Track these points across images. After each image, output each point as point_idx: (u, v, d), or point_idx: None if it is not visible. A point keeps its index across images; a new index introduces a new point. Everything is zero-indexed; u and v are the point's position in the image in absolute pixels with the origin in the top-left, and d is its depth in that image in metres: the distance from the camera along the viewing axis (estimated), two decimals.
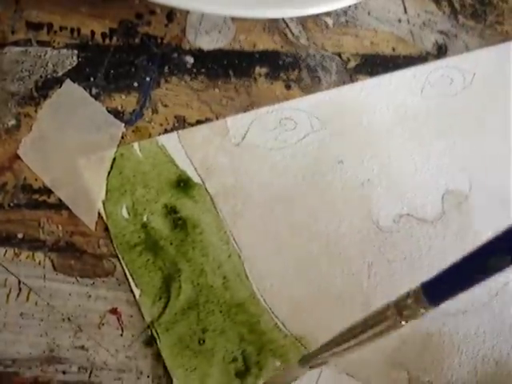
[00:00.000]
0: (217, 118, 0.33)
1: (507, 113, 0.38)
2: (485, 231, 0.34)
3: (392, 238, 0.32)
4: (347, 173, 0.33)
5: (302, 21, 0.37)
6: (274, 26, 0.36)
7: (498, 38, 0.41)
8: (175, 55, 0.34)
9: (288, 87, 0.35)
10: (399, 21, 0.39)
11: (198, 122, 0.33)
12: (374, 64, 0.37)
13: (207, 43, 0.35)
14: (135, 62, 0.33)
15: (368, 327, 0.21)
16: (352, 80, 0.36)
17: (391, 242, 0.32)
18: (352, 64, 0.37)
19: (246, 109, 0.33)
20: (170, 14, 0.35)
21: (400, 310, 0.20)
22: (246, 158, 0.32)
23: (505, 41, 0.41)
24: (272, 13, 0.33)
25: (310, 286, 0.31)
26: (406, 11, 0.40)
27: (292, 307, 0.30)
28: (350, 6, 0.38)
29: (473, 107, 0.38)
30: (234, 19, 0.35)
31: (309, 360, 0.24)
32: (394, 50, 0.38)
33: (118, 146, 0.31)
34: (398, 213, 0.33)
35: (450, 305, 0.33)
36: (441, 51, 0.39)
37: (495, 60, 0.40)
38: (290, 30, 0.36)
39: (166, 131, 0.32)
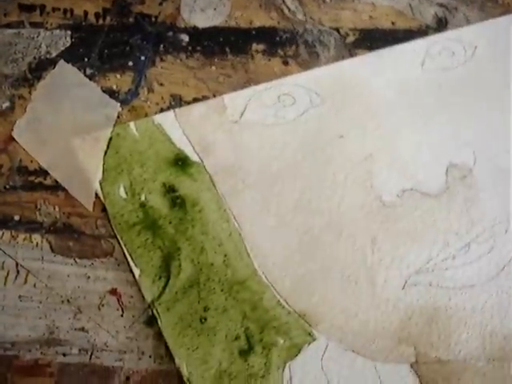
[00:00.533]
0: (214, 96, 0.32)
1: (508, 85, 0.37)
2: (490, 204, 0.33)
3: (395, 212, 0.31)
4: (348, 148, 0.32)
5: None
6: (270, 1, 0.35)
7: (498, 10, 0.41)
8: (170, 34, 0.33)
9: (286, 63, 0.34)
10: None
11: (195, 100, 0.32)
12: (373, 38, 0.37)
13: (202, 21, 0.34)
14: (129, 41, 0.33)
15: None
16: (351, 55, 0.36)
17: (395, 217, 0.31)
18: (351, 39, 0.36)
19: (243, 86, 0.33)
20: None
21: None
22: (245, 135, 0.32)
23: (506, 13, 0.40)
24: None
25: (312, 263, 0.30)
26: None
27: (294, 283, 0.30)
28: None
29: (474, 80, 0.37)
30: None
31: None
32: (393, 23, 0.37)
33: (114, 125, 0.31)
34: (402, 187, 0.32)
35: (456, 279, 0.33)
36: (441, 24, 0.38)
37: (496, 32, 0.39)
38: (287, 6, 0.36)
39: (162, 110, 0.32)
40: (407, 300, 0.30)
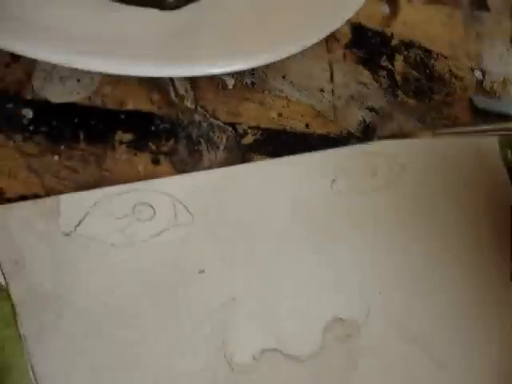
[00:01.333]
0: (47, 196, 0.25)
1: (432, 214, 0.31)
2: (372, 372, 0.26)
3: (246, 380, 0.24)
4: (206, 287, 0.25)
5: (193, 77, 0.29)
6: (154, 79, 0.29)
7: (441, 122, 0.34)
8: (10, 105, 0.26)
9: (156, 161, 0.27)
10: (321, 90, 0.32)
11: (21, 199, 0.25)
12: (278, 142, 0.30)
13: (58, 94, 0.27)
14: None
15: None
16: (245, 160, 0.29)
17: None
18: (249, 139, 0.29)
19: (92, 186, 0.26)
20: None
21: None
22: (77, 253, 0.24)
23: (449, 127, 0.34)
24: (154, 70, 0.26)
25: None
26: (332, 79, 0.32)
27: None
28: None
29: (396, 208, 0.30)
30: None
31: None
32: (307, 126, 0.31)
33: None
34: (262, 347, 0.25)
35: None
36: (367, 132, 0.32)
37: (430, 152, 0.33)
38: (175, 88, 0.29)
39: None
40: None
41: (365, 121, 0.32)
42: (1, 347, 0.23)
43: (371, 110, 0.32)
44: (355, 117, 0.32)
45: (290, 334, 0.26)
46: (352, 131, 0.31)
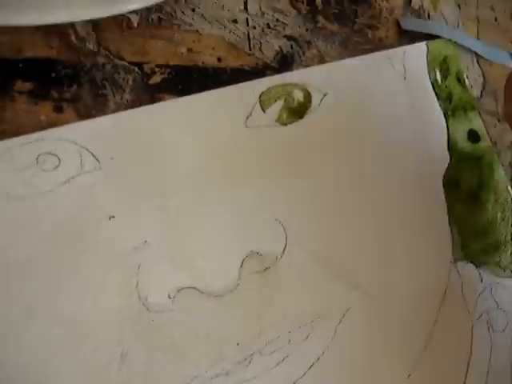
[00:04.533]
0: None
1: (343, 152, 0.30)
2: (291, 304, 0.27)
3: (161, 319, 0.25)
4: (117, 233, 0.26)
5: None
6: (53, 25, 0.27)
7: (366, 47, 0.33)
8: None
9: (59, 109, 0.27)
10: (235, 21, 0.31)
11: None
12: (189, 79, 0.29)
13: None
14: None
15: None
16: (154, 100, 0.28)
17: (158, 325, 0.25)
18: (157, 79, 0.29)
19: None
20: None
21: None
22: None
23: (374, 50, 0.33)
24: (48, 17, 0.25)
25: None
26: (246, 8, 0.31)
27: None
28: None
29: (311, 142, 0.30)
30: None
31: None
32: (219, 60, 0.30)
33: None
34: (177, 285, 0.26)
35: None
36: (285, 63, 0.31)
37: (353, 79, 0.32)
38: (75, 31, 0.28)
39: None
40: None
41: (282, 51, 0.31)
42: None
43: (289, 38, 0.31)
44: (272, 47, 0.31)
45: (206, 271, 0.26)
46: (268, 62, 0.31)
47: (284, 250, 0.28)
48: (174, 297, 0.25)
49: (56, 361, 0.24)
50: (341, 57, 0.32)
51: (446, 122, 0.33)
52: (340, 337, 0.27)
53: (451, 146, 0.33)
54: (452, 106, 0.34)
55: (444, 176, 0.32)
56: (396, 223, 0.30)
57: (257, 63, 0.30)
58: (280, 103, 0.30)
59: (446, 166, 0.32)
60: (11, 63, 0.27)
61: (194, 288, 0.26)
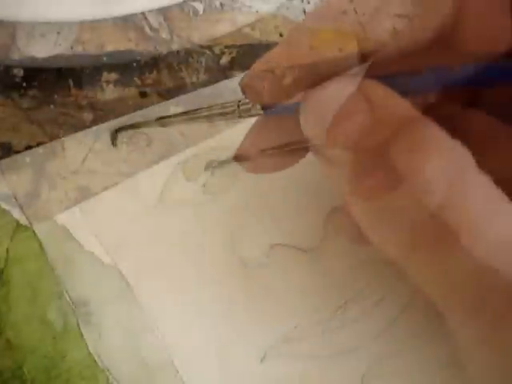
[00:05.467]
0: (50, 141, 0.28)
1: None
2: None
3: (258, 274, 0.27)
4: None
5: (164, 9, 0.31)
6: (128, 18, 0.30)
7: None
8: (1, 68, 0.28)
9: (143, 95, 0.29)
10: None
11: (28, 148, 0.27)
12: (256, 56, 0.31)
13: (42, 49, 0.29)
14: None
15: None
16: (226, 77, 0.30)
17: (257, 280, 0.27)
18: (226, 58, 0.31)
19: (88, 125, 0.28)
20: None
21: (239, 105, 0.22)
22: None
23: None
24: (122, 8, 0.28)
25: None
26: None
27: None
28: None
29: None
30: None
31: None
32: (281, 35, 0.32)
33: None
34: (270, 242, 0.27)
35: (331, 345, 0.28)
36: None
37: None
38: (149, 23, 0.30)
39: None
40: (267, 374, 0.26)
41: None
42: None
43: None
44: None
45: (296, 227, 0.28)
46: None
47: None
48: (268, 253, 0.27)
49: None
50: None
51: None
52: None
53: None
54: None
55: None
56: None
57: None
58: None
59: None
60: (96, 58, 0.29)
61: (287, 245, 0.27)
